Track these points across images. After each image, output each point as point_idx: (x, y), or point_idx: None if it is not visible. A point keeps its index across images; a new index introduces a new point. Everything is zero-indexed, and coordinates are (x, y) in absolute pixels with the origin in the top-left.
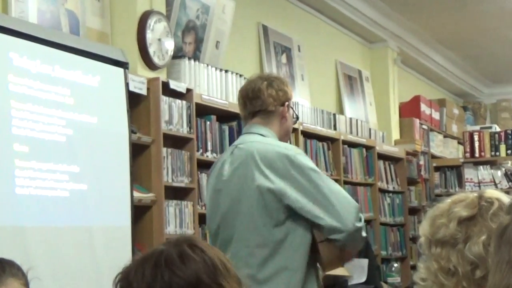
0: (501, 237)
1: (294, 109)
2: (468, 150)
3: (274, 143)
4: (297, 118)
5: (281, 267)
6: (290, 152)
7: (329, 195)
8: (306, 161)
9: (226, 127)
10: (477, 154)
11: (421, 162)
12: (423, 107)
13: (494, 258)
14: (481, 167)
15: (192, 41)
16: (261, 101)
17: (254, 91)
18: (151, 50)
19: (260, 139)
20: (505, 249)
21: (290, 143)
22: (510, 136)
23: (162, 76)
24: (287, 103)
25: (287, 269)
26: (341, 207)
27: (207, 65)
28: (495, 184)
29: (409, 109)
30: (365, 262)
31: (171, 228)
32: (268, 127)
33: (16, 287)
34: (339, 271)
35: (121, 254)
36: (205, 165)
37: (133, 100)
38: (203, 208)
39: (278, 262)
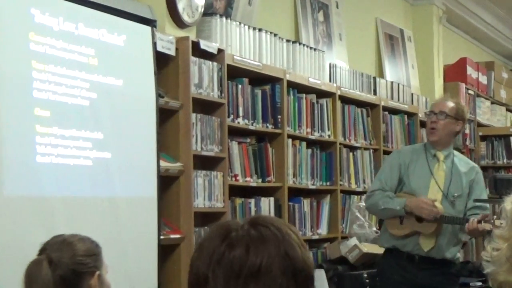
0: None
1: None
2: None
3: None
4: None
5: None
6: None
7: None
8: None
9: (259, 91)
10: None
11: (467, 131)
12: (470, 71)
13: None
14: None
15: None
16: None
17: None
18: (180, 6)
19: None
20: None
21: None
22: None
23: (191, 35)
24: None
25: None
26: None
27: (239, 23)
28: None
29: (455, 73)
30: (322, 273)
31: (200, 201)
32: None
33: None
34: (378, 249)
35: (146, 227)
36: (236, 132)
37: (161, 61)
38: (234, 179)
39: None
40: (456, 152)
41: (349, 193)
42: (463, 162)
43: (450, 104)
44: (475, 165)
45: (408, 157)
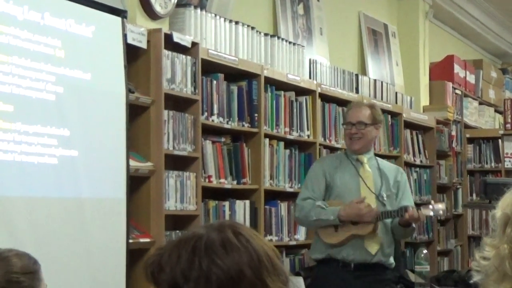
0: None
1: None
2: (509, 120)
3: None
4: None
5: None
6: None
7: None
8: None
9: (235, 88)
10: None
11: (453, 133)
12: (457, 69)
13: None
14: None
15: None
16: None
17: None
18: None
19: None
20: None
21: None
22: None
23: (164, 27)
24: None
25: None
26: None
27: (215, 15)
28: None
29: (441, 71)
30: (300, 280)
31: (171, 203)
32: None
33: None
34: None
35: (115, 230)
36: (210, 131)
37: (131, 54)
38: (207, 180)
39: None
40: (376, 157)
41: None
42: (386, 164)
43: (366, 111)
44: (398, 166)
45: (331, 165)
